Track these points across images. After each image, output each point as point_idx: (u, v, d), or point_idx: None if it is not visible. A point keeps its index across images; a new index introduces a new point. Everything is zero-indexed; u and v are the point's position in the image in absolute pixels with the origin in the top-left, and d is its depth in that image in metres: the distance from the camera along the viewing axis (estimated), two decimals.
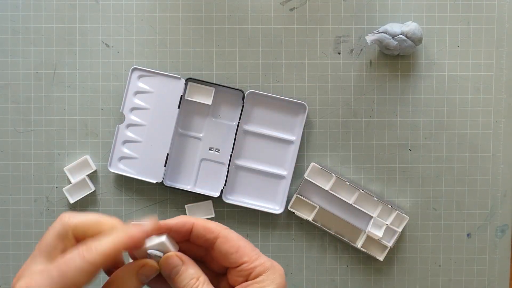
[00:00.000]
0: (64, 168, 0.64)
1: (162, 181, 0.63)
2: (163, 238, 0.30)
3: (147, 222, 0.30)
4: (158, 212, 0.65)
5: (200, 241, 0.32)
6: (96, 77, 0.65)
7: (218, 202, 0.65)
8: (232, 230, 0.32)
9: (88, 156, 0.64)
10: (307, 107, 0.64)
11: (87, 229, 0.30)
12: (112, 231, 0.29)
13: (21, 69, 0.65)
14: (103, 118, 0.65)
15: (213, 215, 0.64)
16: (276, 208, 0.65)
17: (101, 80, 0.65)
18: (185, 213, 0.64)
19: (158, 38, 0.65)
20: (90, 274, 0.28)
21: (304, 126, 0.64)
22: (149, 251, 0.30)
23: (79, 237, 0.30)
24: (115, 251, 0.28)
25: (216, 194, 0.64)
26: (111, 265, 0.31)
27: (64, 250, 0.30)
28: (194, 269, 0.30)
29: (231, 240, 0.31)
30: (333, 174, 0.63)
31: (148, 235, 0.29)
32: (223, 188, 0.64)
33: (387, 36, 0.61)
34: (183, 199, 0.65)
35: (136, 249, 0.30)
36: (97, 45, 0.65)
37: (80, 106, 0.65)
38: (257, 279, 0.31)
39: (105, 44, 0.65)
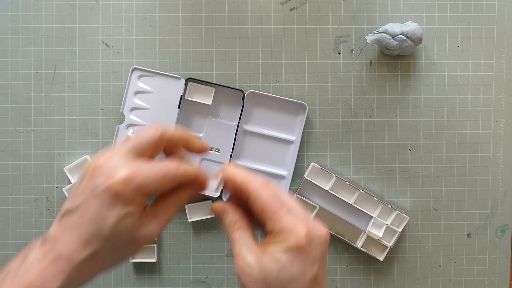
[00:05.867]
0: (64, 168, 0.64)
1: None
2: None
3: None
4: None
5: (243, 196, 0.34)
6: (96, 77, 0.65)
7: None
8: (268, 186, 0.33)
9: (88, 156, 0.64)
10: (307, 107, 0.64)
11: (177, 142, 0.35)
12: (195, 144, 0.36)
13: (21, 69, 0.65)
14: (103, 118, 0.65)
15: (213, 215, 0.64)
16: None
17: (101, 80, 0.65)
18: (185, 213, 0.64)
19: (158, 38, 0.65)
20: (176, 178, 0.32)
21: (304, 126, 0.64)
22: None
23: (168, 147, 0.35)
24: (199, 174, 0.34)
25: (216, 194, 0.64)
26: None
27: (151, 156, 0.34)
28: (233, 215, 0.35)
29: (258, 201, 0.32)
30: (333, 174, 0.63)
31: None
32: (223, 188, 0.63)
33: (387, 36, 0.61)
34: None
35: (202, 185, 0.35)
36: (97, 45, 0.65)
37: (80, 106, 0.65)
38: (273, 238, 0.32)
39: (105, 44, 0.65)
